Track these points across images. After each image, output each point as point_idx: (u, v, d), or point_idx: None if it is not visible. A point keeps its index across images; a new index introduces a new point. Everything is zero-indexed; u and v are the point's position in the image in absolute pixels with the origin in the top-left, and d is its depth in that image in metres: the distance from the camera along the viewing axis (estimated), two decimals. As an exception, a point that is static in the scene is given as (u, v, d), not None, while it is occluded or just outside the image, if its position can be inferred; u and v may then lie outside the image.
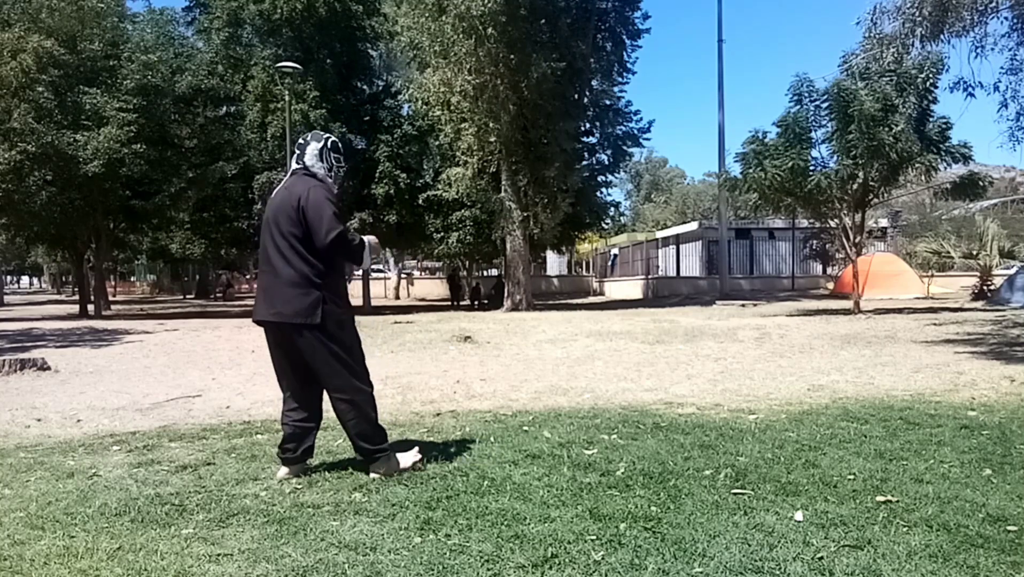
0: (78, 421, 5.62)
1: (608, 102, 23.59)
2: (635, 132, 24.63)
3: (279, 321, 3.62)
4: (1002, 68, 10.34)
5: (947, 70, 13.14)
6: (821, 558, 2.54)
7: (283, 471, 3.76)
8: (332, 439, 4.45)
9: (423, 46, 19.46)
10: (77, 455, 4.34)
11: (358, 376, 3.70)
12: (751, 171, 14.59)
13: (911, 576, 2.41)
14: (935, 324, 11.93)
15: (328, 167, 3.81)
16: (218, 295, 44.48)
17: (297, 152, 3.87)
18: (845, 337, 10.47)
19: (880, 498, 3.16)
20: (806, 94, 14.65)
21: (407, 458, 3.76)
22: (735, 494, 3.25)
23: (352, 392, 3.66)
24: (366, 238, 3.78)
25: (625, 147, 25.00)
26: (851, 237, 15.17)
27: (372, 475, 3.67)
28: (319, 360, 3.61)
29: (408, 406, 5.93)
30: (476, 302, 27.48)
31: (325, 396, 3.78)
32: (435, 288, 39.69)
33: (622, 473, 3.62)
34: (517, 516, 3.00)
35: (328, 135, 3.94)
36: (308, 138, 3.90)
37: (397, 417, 5.39)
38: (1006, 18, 9.80)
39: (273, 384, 3.87)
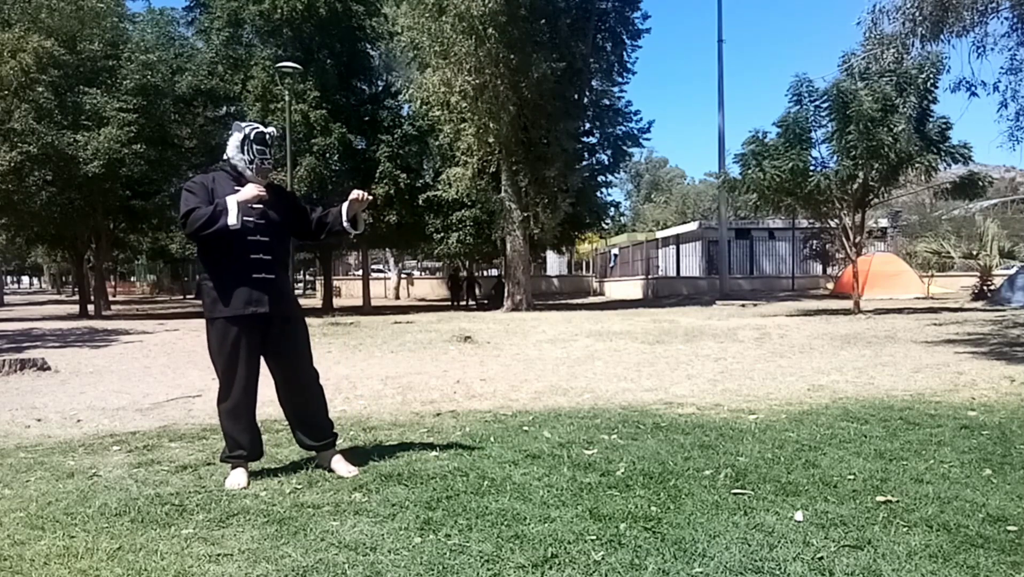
0: (78, 421, 5.62)
1: (608, 102, 23.61)
2: (635, 132, 24.65)
3: None
4: (1002, 68, 10.37)
5: (947, 70, 13.17)
6: (821, 558, 2.54)
7: (245, 475, 3.64)
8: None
9: (423, 46, 19.46)
10: (77, 455, 4.34)
11: (220, 378, 3.70)
12: (750, 172, 14.59)
13: (911, 576, 2.41)
14: (935, 324, 11.93)
15: (249, 159, 3.69)
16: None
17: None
18: (845, 337, 10.47)
19: (880, 498, 3.16)
20: (806, 94, 14.65)
21: (233, 480, 3.60)
22: (735, 494, 3.25)
23: (218, 392, 3.72)
24: (230, 197, 3.54)
25: (625, 147, 25.00)
26: (851, 237, 15.17)
27: None
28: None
29: (408, 406, 5.93)
30: (473, 301, 27.46)
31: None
32: (435, 288, 39.71)
33: (622, 473, 3.62)
34: (517, 516, 3.00)
35: (256, 125, 3.80)
36: (232, 128, 3.83)
37: (397, 417, 5.39)
38: (1006, 18, 9.82)
39: (272, 383, 3.87)
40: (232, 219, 3.49)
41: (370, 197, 3.90)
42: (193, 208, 3.54)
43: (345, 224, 3.84)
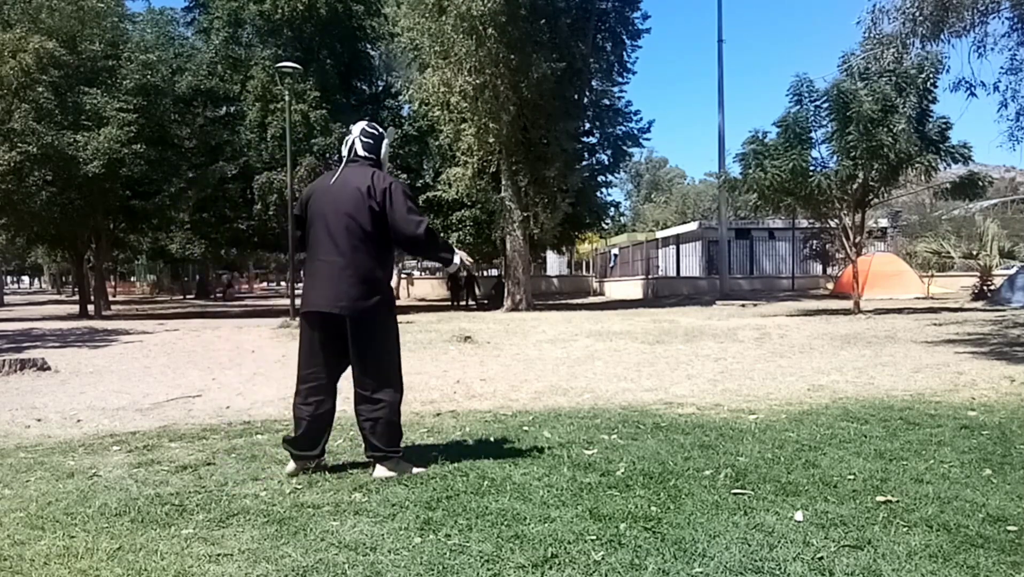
0: (78, 421, 5.62)
1: (608, 102, 23.62)
2: (635, 132, 24.68)
3: (346, 314, 3.59)
4: (1002, 68, 10.39)
5: (947, 70, 13.17)
6: (821, 558, 2.54)
7: (292, 466, 3.74)
8: (331, 439, 4.44)
9: (423, 46, 19.46)
10: (77, 455, 4.34)
11: (400, 372, 3.81)
12: (751, 171, 14.58)
13: (911, 576, 2.41)
14: (935, 324, 11.92)
15: (391, 164, 3.97)
16: (218, 295, 44.51)
17: (366, 141, 3.82)
18: (845, 337, 10.47)
19: (880, 498, 3.16)
20: (806, 94, 14.64)
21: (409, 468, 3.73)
22: (735, 494, 3.25)
23: (395, 387, 3.73)
24: (459, 252, 3.94)
25: (625, 147, 25.02)
26: (851, 237, 15.17)
27: (376, 475, 3.64)
28: (375, 352, 3.68)
29: (408, 406, 5.89)
30: (473, 301, 27.43)
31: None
32: (435, 288, 39.70)
33: (622, 473, 3.62)
34: (517, 516, 3.00)
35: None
36: (380, 130, 3.94)
37: (397, 417, 5.38)
38: (1007, 18, 9.83)
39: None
40: (456, 263, 3.87)
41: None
42: (430, 224, 3.78)
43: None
